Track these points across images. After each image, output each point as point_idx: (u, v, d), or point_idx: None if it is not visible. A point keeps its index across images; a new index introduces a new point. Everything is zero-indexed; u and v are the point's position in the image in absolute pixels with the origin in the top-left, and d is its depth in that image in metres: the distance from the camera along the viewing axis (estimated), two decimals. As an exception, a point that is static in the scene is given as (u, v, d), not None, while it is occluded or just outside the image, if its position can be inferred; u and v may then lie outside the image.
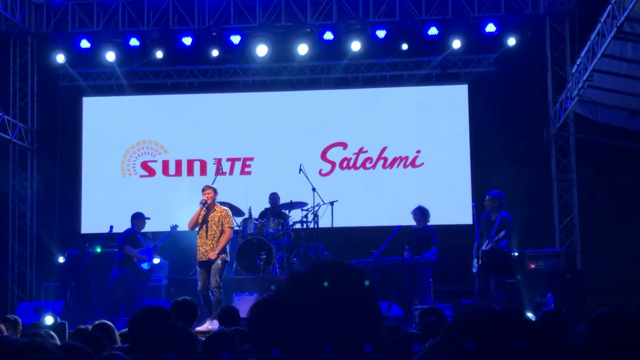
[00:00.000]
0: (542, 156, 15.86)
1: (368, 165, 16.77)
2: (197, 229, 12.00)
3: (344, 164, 16.81)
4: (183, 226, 12.71)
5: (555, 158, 15.67)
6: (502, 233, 12.17)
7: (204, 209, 11.94)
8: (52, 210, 16.65)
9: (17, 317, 8.54)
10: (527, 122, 16.02)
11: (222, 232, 11.86)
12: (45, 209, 16.62)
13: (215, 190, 12.12)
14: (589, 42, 12.05)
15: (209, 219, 11.87)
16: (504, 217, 12.44)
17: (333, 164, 16.81)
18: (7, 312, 14.98)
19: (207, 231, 11.83)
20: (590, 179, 15.62)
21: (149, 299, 13.52)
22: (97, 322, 6.77)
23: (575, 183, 15.52)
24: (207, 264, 11.78)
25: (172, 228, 14.19)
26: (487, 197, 12.78)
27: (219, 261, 11.76)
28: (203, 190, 12.09)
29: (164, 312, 5.00)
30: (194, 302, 7.33)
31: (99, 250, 14.43)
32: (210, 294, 11.71)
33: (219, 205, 12.22)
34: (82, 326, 6.83)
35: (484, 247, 12.29)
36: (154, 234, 14.32)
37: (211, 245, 11.76)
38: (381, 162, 16.74)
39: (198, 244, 11.92)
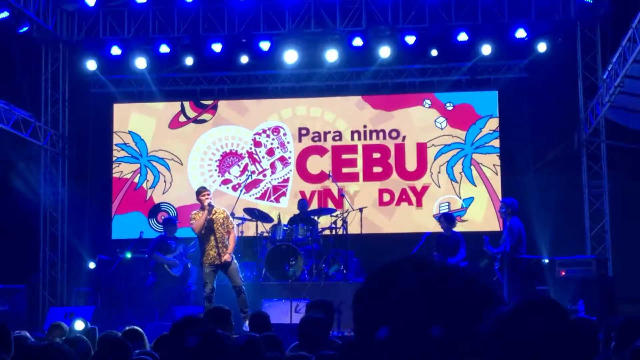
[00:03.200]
0: (573, 162, 15.72)
1: (397, 171, 16.71)
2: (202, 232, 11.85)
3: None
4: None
5: (586, 164, 15.52)
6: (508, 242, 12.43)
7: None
8: (83, 215, 16.75)
9: (64, 324, 8.63)
10: (557, 129, 15.90)
11: (227, 233, 11.88)
12: (76, 215, 16.71)
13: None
14: (620, 48, 11.95)
15: (214, 221, 11.80)
16: (510, 225, 12.58)
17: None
18: (38, 318, 15.18)
19: (215, 234, 11.73)
20: (622, 186, 15.46)
21: (178, 304, 13.56)
22: (127, 328, 6.81)
23: (607, 190, 15.36)
24: (221, 267, 11.75)
25: None
26: (501, 204, 13.02)
27: (235, 261, 11.87)
28: (203, 193, 11.87)
29: (200, 321, 5.08)
30: (228, 309, 7.27)
31: (129, 255, 14.51)
32: (243, 293, 11.70)
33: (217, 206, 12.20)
34: (110, 331, 6.86)
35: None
36: (185, 240, 14.34)
37: (221, 248, 11.71)
38: (410, 168, 16.67)
39: (207, 248, 11.75)
